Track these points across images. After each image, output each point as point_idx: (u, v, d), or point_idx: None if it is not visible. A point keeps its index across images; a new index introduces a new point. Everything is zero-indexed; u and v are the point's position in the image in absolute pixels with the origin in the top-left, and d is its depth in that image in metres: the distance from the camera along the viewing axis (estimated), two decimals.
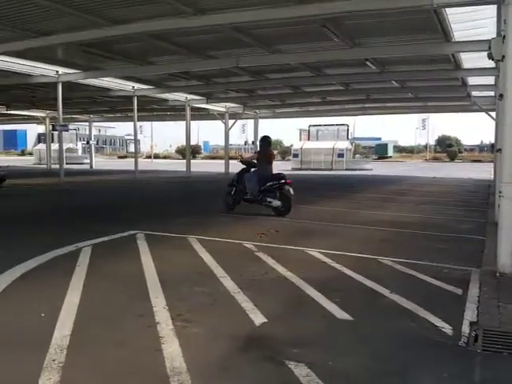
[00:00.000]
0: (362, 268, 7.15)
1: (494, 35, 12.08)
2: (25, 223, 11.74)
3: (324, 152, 52.14)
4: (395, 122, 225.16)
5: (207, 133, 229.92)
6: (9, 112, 44.94)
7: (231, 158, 37.68)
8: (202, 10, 14.58)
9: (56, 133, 34.36)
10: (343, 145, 53.14)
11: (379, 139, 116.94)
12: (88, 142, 55.19)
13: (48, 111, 46.06)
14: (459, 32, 16.60)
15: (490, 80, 24.94)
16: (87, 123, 56.29)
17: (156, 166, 55.43)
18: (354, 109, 41.78)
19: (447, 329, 4.81)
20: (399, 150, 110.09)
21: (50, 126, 44.58)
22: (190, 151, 40.44)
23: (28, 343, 4.35)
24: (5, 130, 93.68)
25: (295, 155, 54.16)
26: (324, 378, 3.73)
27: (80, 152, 66.10)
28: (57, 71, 25.34)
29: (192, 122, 38.34)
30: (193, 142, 68.82)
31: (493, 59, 8.02)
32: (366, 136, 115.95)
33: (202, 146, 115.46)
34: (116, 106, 41.62)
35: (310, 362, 3.98)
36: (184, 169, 37.01)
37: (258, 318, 5.00)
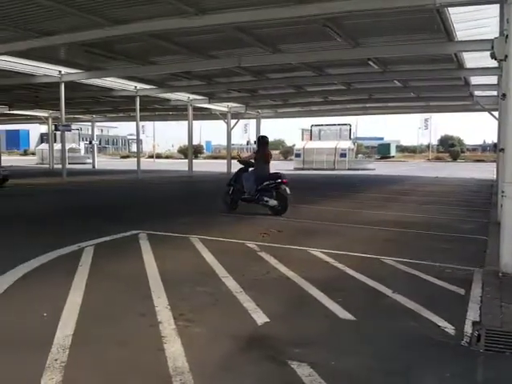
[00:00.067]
0: (365, 268, 7.14)
1: (497, 34, 12.06)
2: (27, 223, 11.76)
3: (326, 152, 52.16)
4: (397, 122, 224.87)
5: (209, 133, 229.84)
6: (11, 112, 45.01)
7: (233, 158, 37.71)
8: (204, 10, 14.59)
9: (58, 133, 34.48)
10: (345, 145, 53.12)
11: (381, 139, 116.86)
12: (90, 142, 55.30)
13: (51, 111, 46.13)
14: (462, 31, 16.57)
15: (493, 79, 24.92)
16: (90, 123, 56.42)
17: (158, 165, 55.49)
18: (356, 108, 41.75)
19: (450, 329, 4.80)
20: (402, 149, 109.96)
21: (53, 126, 44.63)
22: (192, 151, 40.44)
23: (30, 343, 4.35)
24: (7, 130, 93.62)
25: (297, 155, 54.18)
26: (327, 378, 3.72)
27: (82, 152, 66.16)
28: (59, 71, 25.39)
29: (194, 121, 38.36)
30: (195, 142, 68.80)
31: (495, 59, 7.99)
32: (368, 136, 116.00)
33: (204, 146, 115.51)
34: (118, 106, 41.65)
35: (312, 362, 3.97)
36: (186, 168, 37.08)
37: (261, 318, 5.00)
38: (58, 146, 45.60)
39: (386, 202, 17.10)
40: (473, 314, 5.22)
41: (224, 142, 52.51)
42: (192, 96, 35.52)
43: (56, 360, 3.93)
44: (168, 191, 23.03)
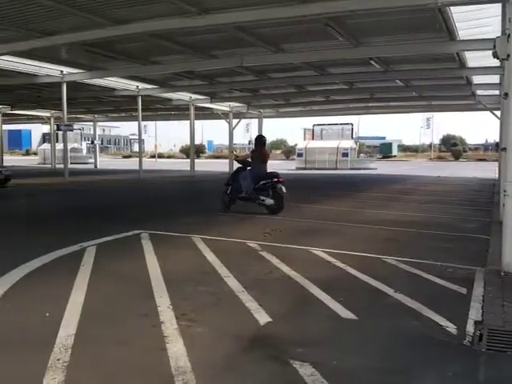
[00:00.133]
0: (367, 267, 7.14)
1: (499, 34, 12.05)
2: (29, 223, 11.78)
3: (328, 151, 52.15)
4: (399, 121, 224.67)
5: (211, 132, 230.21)
6: (14, 112, 45.11)
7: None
8: (206, 10, 14.60)
9: (61, 133, 34.46)
10: (347, 144, 53.12)
11: (383, 138, 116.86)
12: (92, 142, 55.28)
13: (53, 111, 46.18)
14: (464, 30, 16.56)
15: (495, 79, 24.89)
16: (92, 123, 56.42)
17: (160, 165, 55.52)
18: (358, 108, 41.79)
19: (452, 328, 4.79)
20: (404, 149, 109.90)
21: (55, 126, 44.67)
22: (194, 150, 40.49)
23: (32, 342, 4.35)
24: (10, 130, 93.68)
25: (299, 154, 54.19)
26: (329, 378, 3.72)
27: (84, 152, 66.33)
28: (61, 71, 25.44)
29: (196, 121, 38.39)
30: (197, 142, 68.88)
31: (498, 58, 7.99)
32: (370, 135, 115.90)
33: (206, 146, 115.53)
34: (120, 106, 41.71)
35: (314, 362, 3.97)
36: (188, 168, 37.08)
37: (263, 318, 5.00)
38: (60, 146, 45.70)
39: (388, 202, 17.09)
40: (475, 313, 5.22)
41: (226, 142, 52.58)
42: (194, 96, 35.55)
43: (58, 360, 3.93)
44: (170, 191, 23.04)
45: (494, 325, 4.83)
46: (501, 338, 4.52)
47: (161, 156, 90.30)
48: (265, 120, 45.40)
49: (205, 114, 42.60)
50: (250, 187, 13.32)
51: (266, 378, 3.79)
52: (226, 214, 13.15)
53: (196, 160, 40.17)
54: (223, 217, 12.72)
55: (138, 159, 35.17)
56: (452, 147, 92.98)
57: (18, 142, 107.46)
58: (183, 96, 35.38)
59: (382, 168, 48.58)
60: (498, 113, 24.69)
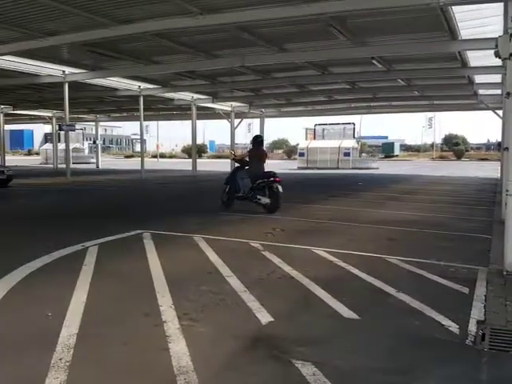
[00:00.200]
0: (369, 267, 7.13)
1: (501, 33, 12.03)
2: (31, 223, 11.78)
3: (330, 151, 52.16)
4: (402, 121, 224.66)
5: (213, 132, 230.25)
6: (16, 112, 45.16)
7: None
8: (208, 10, 14.61)
9: (62, 132, 34.50)
10: (349, 144, 53.13)
11: (386, 138, 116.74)
12: (94, 142, 55.37)
13: (55, 111, 46.25)
14: (466, 30, 16.56)
15: (497, 78, 24.84)
16: (94, 123, 56.48)
17: (162, 165, 55.54)
18: (360, 107, 41.75)
19: (454, 328, 4.79)
20: (406, 148, 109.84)
21: (57, 126, 44.70)
22: (195, 150, 40.49)
23: (35, 342, 4.36)
24: (12, 130, 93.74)
25: (301, 154, 54.17)
26: (330, 377, 3.72)
27: (86, 152, 66.37)
28: (63, 71, 25.46)
29: (198, 121, 38.45)
30: (199, 142, 68.93)
31: (499, 57, 7.97)
32: (372, 135, 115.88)
33: (208, 146, 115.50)
34: (122, 106, 41.73)
35: (316, 361, 3.97)
36: (190, 168, 37.09)
37: (265, 317, 5.00)
38: (62, 146, 45.71)
39: (390, 201, 17.07)
40: (477, 312, 5.21)
41: (228, 142, 52.58)
42: (196, 95, 35.58)
43: (61, 359, 3.94)
44: (172, 191, 23.03)
45: (497, 324, 4.83)
46: (503, 337, 4.52)
47: (163, 156, 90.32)
48: (266, 120, 45.41)
49: (206, 113, 42.64)
50: (248, 186, 13.44)
51: (268, 378, 3.79)
52: (228, 213, 13.17)
53: (198, 160, 40.19)
54: (225, 216, 12.72)
55: (139, 159, 35.23)
56: (454, 147, 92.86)
57: (19, 141, 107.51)
58: (185, 96, 35.40)
59: (383, 168, 48.56)
60: (500, 112, 24.67)
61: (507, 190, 7.03)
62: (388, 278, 6.49)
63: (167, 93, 33.19)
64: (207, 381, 3.68)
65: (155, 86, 31.25)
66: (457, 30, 16.46)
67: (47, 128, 73.89)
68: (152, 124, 77.25)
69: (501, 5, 12.77)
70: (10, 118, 51.84)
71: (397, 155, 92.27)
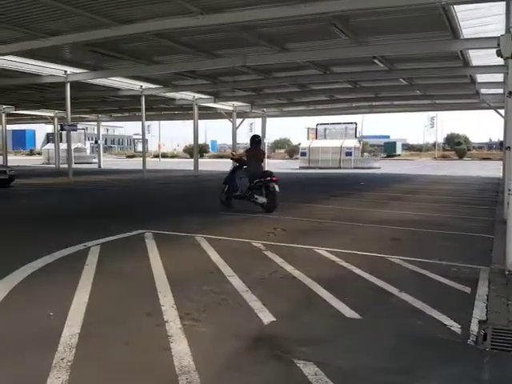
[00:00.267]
0: (371, 266, 7.13)
1: (503, 32, 12.01)
2: (33, 223, 11.79)
3: (332, 150, 52.21)
4: (404, 120, 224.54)
5: (215, 132, 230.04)
6: (18, 112, 45.22)
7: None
8: (209, 9, 14.60)
9: (64, 132, 34.51)
10: (351, 143, 53.17)
11: (387, 137, 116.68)
12: (96, 142, 55.48)
13: (56, 111, 46.32)
14: (468, 29, 16.54)
15: (499, 77, 24.82)
16: (95, 123, 56.56)
17: (164, 165, 55.58)
18: (362, 107, 41.73)
19: (456, 327, 4.78)
20: (408, 148, 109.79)
21: (59, 126, 44.75)
22: (197, 150, 40.50)
23: (37, 342, 4.36)
24: (14, 130, 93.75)
25: (303, 154, 54.22)
26: (332, 377, 3.72)
27: (88, 152, 66.45)
28: (65, 71, 25.50)
29: (199, 121, 38.43)
30: (200, 141, 68.96)
31: (501, 56, 7.95)
32: (374, 134, 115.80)
33: (210, 145, 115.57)
34: (124, 106, 41.77)
35: (318, 361, 3.97)
36: (192, 168, 37.11)
37: (267, 317, 4.99)
38: (63, 146, 45.78)
39: (392, 201, 17.06)
40: (479, 312, 5.21)
41: (229, 142, 52.66)
42: (197, 95, 35.59)
43: (62, 359, 3.94)
44: (173, 190, 23.04)
45: (499, 324, 4.82)
46: (505, 337, 4.51)
47: (164, 156, 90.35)
48: (268, 119, 45.44)
49: (208, 113, 42.63)
50: (245, 186, 13.57)
51: (270, 378, 3.79)
52: (230, 213, 13.18)
53: (199, 159, 40.19)
54: (227, 216, 12.73)
55: (141, 159, 35.27)
56: (456, 146, 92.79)
57: (21, 141, 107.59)
58: (187, 96, 35.42)
59: (385, 167, 48.53)
60: (502, 111, 24.59)
61: (509, 190, 7.02)
62: (390, 278, 6.48)
63: (169, 92, 33.21)
64: (209, 381, 3.68)
65: (157, 86, 31.26)
66: (459, 29, 16.45)
67: (49, 128, 73.91)
68: (154, 124, 77.14)
69: (503, 4, 12.78)
70: (12, 118, 51.93)
71: (399, 155, 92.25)
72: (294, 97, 36.73)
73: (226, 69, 24.09)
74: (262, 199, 13.38)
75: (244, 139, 64.47)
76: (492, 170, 39.28)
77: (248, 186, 13.51)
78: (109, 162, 62.76)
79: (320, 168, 48.69)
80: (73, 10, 14.84)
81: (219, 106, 39.06)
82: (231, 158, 14.77)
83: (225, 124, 43.14)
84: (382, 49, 19.83)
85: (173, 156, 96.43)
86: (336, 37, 17.63)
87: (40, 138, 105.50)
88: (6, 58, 21.85)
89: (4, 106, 42.66)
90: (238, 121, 41.89)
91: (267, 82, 28.43)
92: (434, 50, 19.34)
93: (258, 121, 47.33)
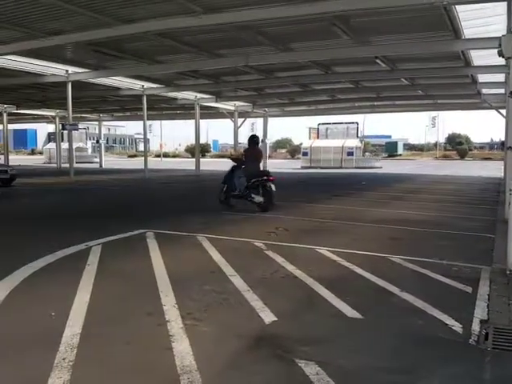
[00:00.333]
0: (373, 266, 7.13)
1: (505, 32, 12.01)
2: (34, 222, 11.80)
3: (333, 150, 52.21)
4: (405, 120, 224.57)
5: (216, 131, 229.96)
6: (19, 111, 45.20)
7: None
8: (211, 9, 14.60)
9: (66, 132, 34.57)
10: (353, 143, 53.16)
11: (389, 137, 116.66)
12: (98, 141, 55.37)
13: (58, 110, 46.31)
14: (469, 29, 16.54)
15: (501, 77, 24.82)
16: (97, 122, 56.52)
17: (165, 164, 55.59)
18: (363, 107, 41.72)
19: (457, 327, 4.78)
20: (409, 148, 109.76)
21: (60, 125, 44.79)
22: (199, 150, 40.48)
23: (38, 342, 4.36)
24: (15, 130, 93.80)
25: (305, 153, 54.25)
26: (334, 377, 3.72)
27: (90, 151, 66.45)
28: (67, 70, 25.49)
29: (201, 120, 38.38)
30: (202, 141, 68.95)
31: (503, 56, 7.97)
32: (375, 134, 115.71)
33: (211, 145, 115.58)
34: (126, 105, 41.77)
35: (320, 361, 3.97)
36: (193, 167, 37.09)
37: (268, 317, 5.00)
38: (65, 145, 45.80)
39: (393, 201, 17.05)
40: (480, 312, 5.20)
41: (231, 141, 52.55)
42: (199, 95, 35.58)
43: (64, 359, 3.94)
44: (175, 190, 23.05)
45: (500, 323, 4.82)
46: (506, 336, 4.51)
47: (166, 155, 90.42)
48: (270, 119, 45.44)
49: (210, 113, 42.61)
50: (243, 185, 13.62)
51: (272, 377, 3.79)
52: (231, 212, 13.19)
53: (201, 159, 40.18)
54: (228, 216, 12.73)
55: (143, 158, 35.25)
56: (457, 146, 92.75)
57: (23, 141, 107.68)
58: (188, 95, 35.41)
59: (387, 167, 48.50)
60: (504, 111, 24.60)
61: (510, 189, 7.03)
62: (391, 278, 6.48)
63: (170, 92, 33.20)
64: (210, 380, 3.69)
65: (158, 86, 31.25)
66: (460, 29, 16.44)
67: (50, 127, 73.94)
68: (155, 123, 77.22)
69: (504, 4, 12.77)
70: (14, 118, 51.93)
71: (400, 154, 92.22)
72: (296, 96, 36.70)
73: (228, 68, 24.08)
74: (258, 198, 13.48)
75: (245, 139, 64.61)
76: (493, 169, 39.24)
77: (245, 186, 13.59)
78: (110, 161, 62.78)
79: (321, 168, 48.67)
80: (76, 10, 14.85)
81: (221, 105, 39.06)
82: (230, 158, 14.86)
83: (226, 124, 43.25)
84: (384, 49, 19.83)
85: (174, 155, 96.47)
86: (338, 37, 17.63)
87: (41, 137, 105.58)
88: (7, 57, 21.86)
89: (5, 106, 42.66)
90: (240, 120, 41.90)
91: (269, 81, 28.42)
92: (435, 50, 19.34)
93: (260, 120, 47.39)
